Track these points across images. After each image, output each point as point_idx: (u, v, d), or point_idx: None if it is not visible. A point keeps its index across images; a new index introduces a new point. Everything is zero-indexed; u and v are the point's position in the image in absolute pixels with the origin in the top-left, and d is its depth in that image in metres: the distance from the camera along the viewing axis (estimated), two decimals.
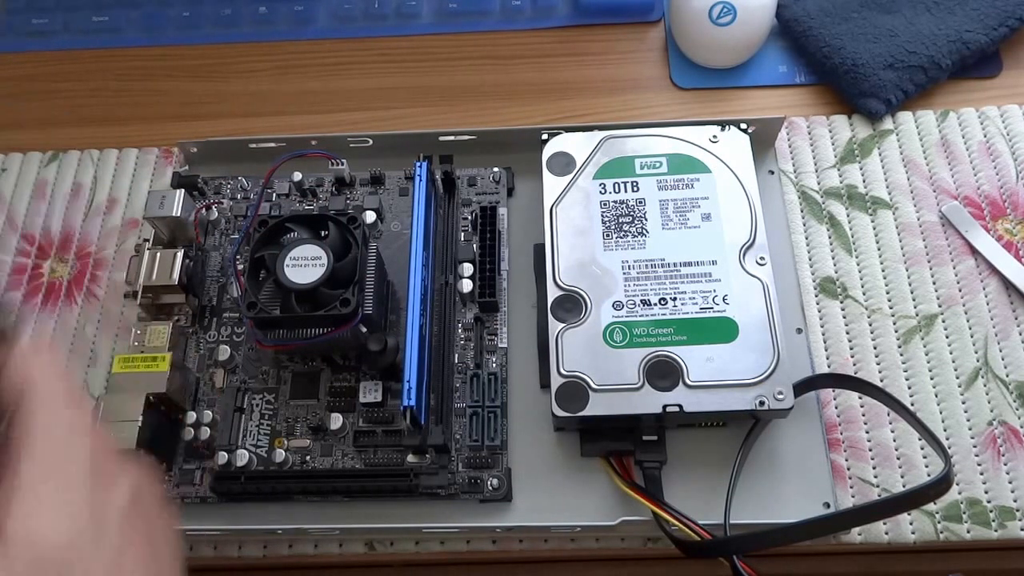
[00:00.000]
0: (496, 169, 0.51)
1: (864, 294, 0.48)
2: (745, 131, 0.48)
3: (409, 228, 0.45)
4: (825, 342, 0.46)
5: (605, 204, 0.46)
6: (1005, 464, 0.43)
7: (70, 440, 0.28)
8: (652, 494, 0.41)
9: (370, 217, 0.48)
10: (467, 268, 0.47)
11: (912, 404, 0.45)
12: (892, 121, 0.53)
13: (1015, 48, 0.55)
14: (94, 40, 0.61)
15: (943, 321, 0.46)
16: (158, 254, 0.46)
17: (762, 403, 0.40)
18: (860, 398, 0.45)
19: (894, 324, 0.47)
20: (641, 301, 0.43)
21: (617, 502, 0.42)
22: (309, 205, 0.50)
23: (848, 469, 0.43)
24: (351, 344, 0.43)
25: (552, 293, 0.43)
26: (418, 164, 0.47)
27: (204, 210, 0.49)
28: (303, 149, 0.49)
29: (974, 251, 0.48)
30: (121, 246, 0.52)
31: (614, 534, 0.42)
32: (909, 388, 0.45)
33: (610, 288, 0.43)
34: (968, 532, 0.41)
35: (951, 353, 0.46)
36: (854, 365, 0.46)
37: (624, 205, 0.46)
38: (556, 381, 0.41)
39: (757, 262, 0.44)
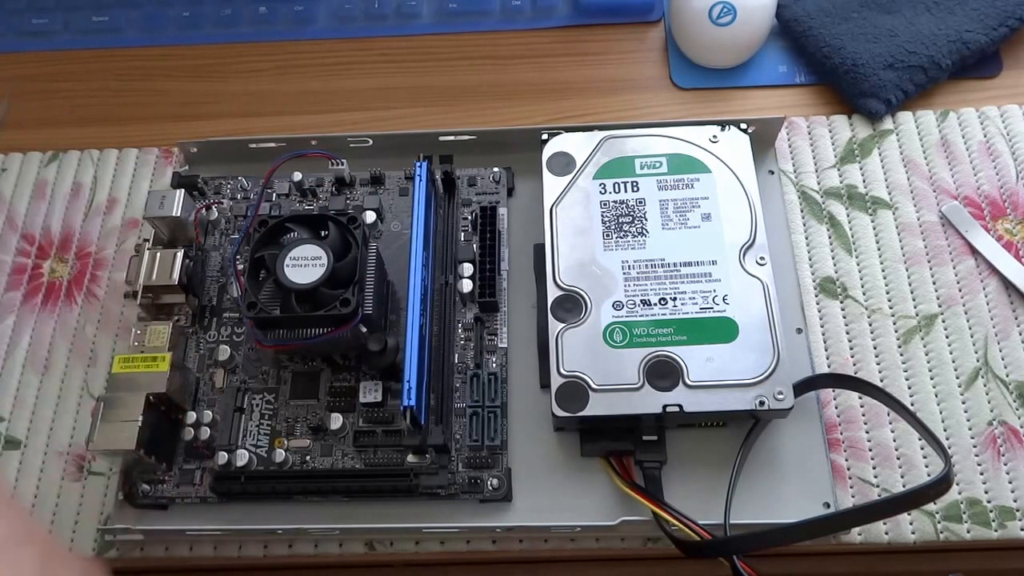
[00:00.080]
0: (496, 169, 0.51)
1: (864, 294, 0.48)
2: (745, 131, 0.48)
3: (409, 228, 0.45)
4: (825, 342, 0.46)
5: (605, 204, 0.46)
6: (1005, 464, 0.43)
7: (10, 552, 0.27)
8: (652, 494, 0.41)
9: (370, 217, 0.48)
10: (467, 268, 0.47)
11: (912, 404, 0.45)
12: (892, 121, 0.53)
13: (1015, 48, 0.55)
14: (94, 40, 0.61)
15: (943, 321, 0.46)
16: (158, 254, 0.46)
17: (762, 403, 0.40)
18: (860, 398, 0.45)
19: (894, 324, 0.47)
20: (641, 301, 0.43)
21: (617, 502, 0.42)
22: (309, 205, 0.50)
23: (848, 469, 0.43)
24: (351, 344, 0.43)
25: (552, 293, 0.43)
26: (418, 164, 0.47)
27: (204, 210, 0.49)
28: (303, 149, 0.49)
29: (974, 251, 0.48)
30: (121, 246, 0.52)
31: (614, 534, 0.42)
32: (909, 388, 0.45)
33: (610, 288, 0.43)
34: (968, 532, 0.41)
35: (951, 353, 0.46)
36: (854, 365, 0.46)
37: (624, 205, 0.46)
38: (556, 381, 0.41)
39: (757, 262, 0.44)
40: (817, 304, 0.47)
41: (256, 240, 0.43)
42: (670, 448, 0.42)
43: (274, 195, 0.50)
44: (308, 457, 0.43)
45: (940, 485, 0.35)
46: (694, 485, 0.42)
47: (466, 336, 0.46)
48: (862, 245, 0.49)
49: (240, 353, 0.46)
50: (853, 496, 0.43)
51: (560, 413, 0.40)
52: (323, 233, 0.44)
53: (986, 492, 0.42)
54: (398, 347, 0.43)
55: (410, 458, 0.42)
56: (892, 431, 0.44)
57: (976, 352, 0.45)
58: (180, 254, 0.46)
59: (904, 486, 0.43)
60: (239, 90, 0.58)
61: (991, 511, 0.42)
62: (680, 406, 0.40)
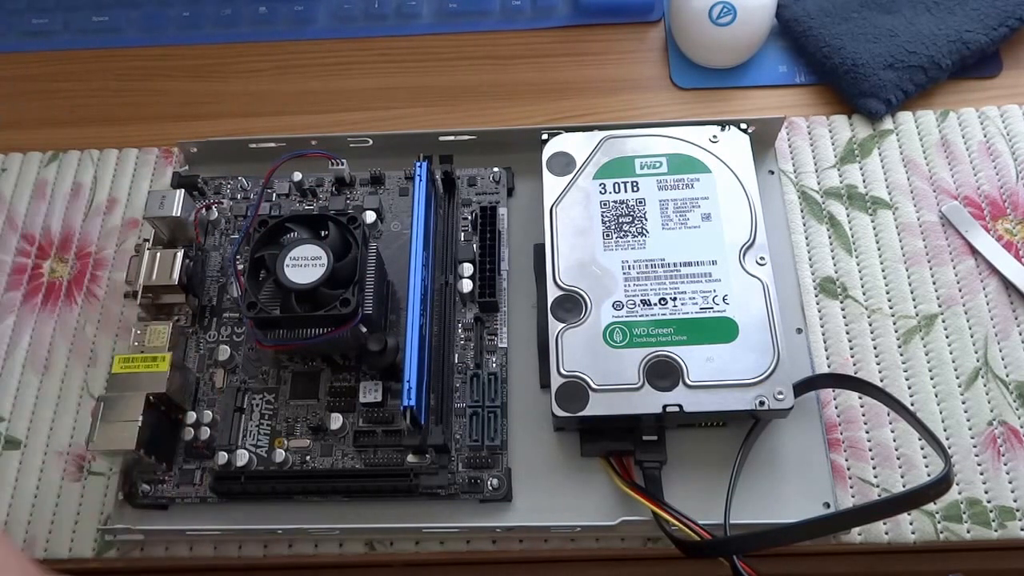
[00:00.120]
0: (496, 169, 0.51)
1: (864, 294, 0.48)
2: (745, 131, 0.48)
3: (409, 228, 0.45)
4: (825, 342, 0.46)
5: (605, 204, 0.46)
6: (1005, 464, 0.43)
7: None
8: (652, 494, 0.41)
9: (370, 217, 0.48)
10: (467, 268, 0.47)
11: (912, 404, 0.45)
12: (892, 121, 0.53)
13: (1015, 48, 0.55)
14: (94, 40, 0.61)
15: (943, 321, 0.46)
16: (158, 254, 0.46)
17: (762, 403, 0.40)
18: (860, 398, 0.45)
19: (894, 324, 0.47)
20: (641, 301, 0.43)
21: (617, 502, 0.42)
22: (309, 205, 0.50)
23: (848, 469, 0.43)
24: (351, 344, 0.43)
25: (552, 293, 0.43)
26: (418, 164, 0.47)
27: (204, 210, 0.49)
28: (303, 149, 0.49)
29: (974, 251, 0.48)
30: (121, 246, 0.52)
31: (614, 534, 0.42)
32: (909, 388, 0.45)
33: (610, 288, 0.43)
34: (968, 532, 0.41)
35: (951, 353, 0.46)
36: (854, 365, 0.46)
37: (624, 205, 0.46)
38: (556, 381, 0.41)
39: (757, 262, 0.44)
40: (817, 304, 0.47)
41: (256, 240, 0.43)
42: (670, 448, 0.42)
43: (274, 195, 0.50)
44: (308, 457, 0.43)
45: (940, 485, 0.35)
46: (694, 485, 0.42)
47: (466, 336, 0.46)
48: (862, 245, 0.49)
49: (240, 353, 0.46)
50: (853, 496, 0.43)
51: (560, 413, 0.40)
52: (323, 233, 0.44)
53: (986, 492, 0.42)
54: (398, 347, 0.43)
55: (410, 458, 0.42)
56: (892, 431, 0.44)
57: (976, 352, 0.45)
58: (180, 254, 0.46)
59: (904, 486, 0.43)
60: (239, 90, 0.58)
61: (991, 511, 0.42)
62: (680, 406, 0.40)
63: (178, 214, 0.47)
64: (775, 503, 0.42)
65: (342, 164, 0.49)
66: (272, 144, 0.51)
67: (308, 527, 0.42)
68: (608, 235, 0.45)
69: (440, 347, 0.45)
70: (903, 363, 0.46)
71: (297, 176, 0.50)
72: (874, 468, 0.43)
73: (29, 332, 0.50)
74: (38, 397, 0.48)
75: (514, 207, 0.50)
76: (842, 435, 0.44)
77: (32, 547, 0.44)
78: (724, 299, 0.43)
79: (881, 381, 0.45)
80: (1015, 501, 0.42)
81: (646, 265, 0.44)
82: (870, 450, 0.44)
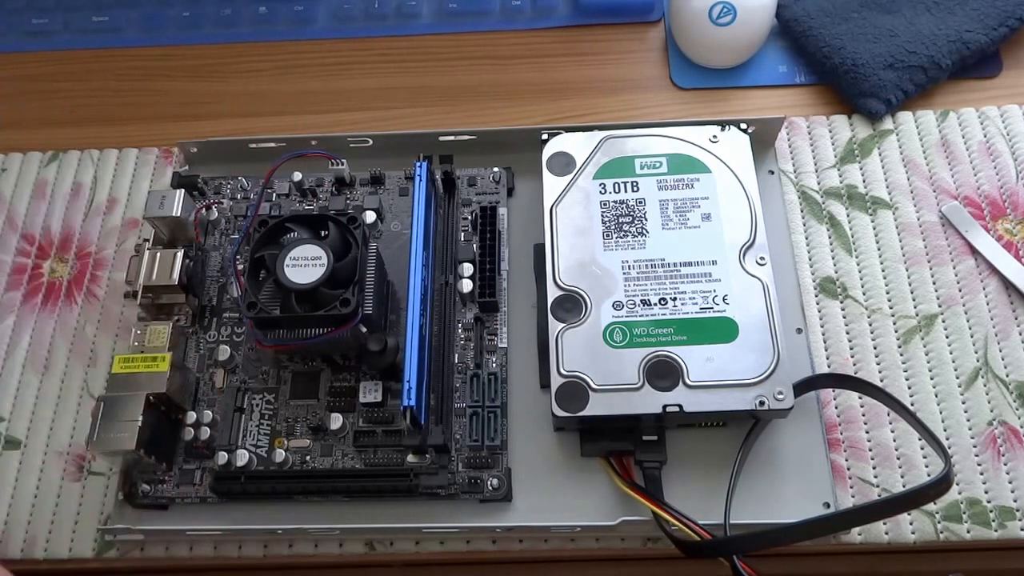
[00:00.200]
0: (496, 169, 0.51)
1: (864, 294, 0.48)
2: (745, 131, 0.48)
3: (409, 228, 0.45)
4: (825, 342, 0.46)
5: (605, 204, 0.46)
6: (1005, 464, 0.43)
7: None
8: (652, 494, 0.41)
9: (370, 217, 0.48)
10: (467, 268, 0.47)
11: (912, 404, 0.45)
12: (892, 121, 0.53)
13: (1015, 48, 0.55)
14: (94, 40, 0.61)
15: (943, 321, 0.46)
16: (158, 254, 0.46)
17: (762, 403, 0.40)
18: (860, 398, 0.45)
19: (894, 324, 0.47)
20: (641, 301, 0.43)
21: (617, 502, 0.42)
22: (309, 205, 0.50)
23: (848, 469, 0.43)
24: (351, 344, 0.43)
25: (552, 293, 0.43)
26: (418, 164, 0.47)
27: (204, 210, 0.49)
28: (303, 149, 0.49)
29: (974, 251, 0.48)
30: (121, 246, 0.52)
31: (614, 534, 0.42)
32: (909, 388, 0.45)
33: (610, 288, 0.43)
34: (968, 532, 0.41)
35: (951, 353, 0.46)
36: (854, 365, 0.46)
37: (624, 205, 0.46)
38: (556, 381, 0.41)
39: (757, 262, 0.44)
40: (817, 304, 0.47)
41: (256, 240, 0.43)
42: (670, 448, 0.42)
43: (274, 195, 0.50)
44: (308, 457, 0.43)
45: (940, 485, 0.35)
46: (694, 485, 0.42)
47: (466, 336, 0.46)
48: (862, 245, 0.49)
49: (240, 353, 0.46)
50: (853, 496, 0.43)
51: (560, 413, 0.40)
52: (323, 233, 0.44)
53: (986, 492, 0.42)
54: (398, 347, 0.43)
55: (410, 458, 0.42)
56: (892, 431, 0.44)
57: (976, 352, 0.45)
58: (180, 254, 0.46)
59: (904, 486, 0.43)
60: (239, 90, 0.58)
61: (991, 511, 0.42)
62: (680, 406, 0.40)
63: (178, 214, 0.47)
64: (775, 503, 0.42)
65: (342, 164, 0.49)
66: (272, 144, 0.51)
67: (308, 527, 0.42)
68: (608, 235, 0.45)
69: (440, 347, 0.45)
70: (903, 363, 0.46)
71: (297, 176, 0.50)
72: (874, 468, 0.43)
73: (29, 332, 0.50)
74: (38, 397, 0.48)
75: (514, 207, 0.50)
76: (842, 435, 0.44)
77: (32, 547, 0.44)
78: (724, 299, 0.43)
79: (881, 381, 0.45)
80: (1015, 501, 0.42)
81: (646, 265, 0.44)
82: (870, 450, 0.44)
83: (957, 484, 0.42)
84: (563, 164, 0.47)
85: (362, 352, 0.43)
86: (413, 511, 0.42)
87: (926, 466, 0.43)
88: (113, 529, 0.42)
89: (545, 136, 0.48)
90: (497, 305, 0.46)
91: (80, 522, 0.44)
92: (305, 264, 0.42)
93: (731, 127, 0.48)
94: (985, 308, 0.46)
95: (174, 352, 0.43)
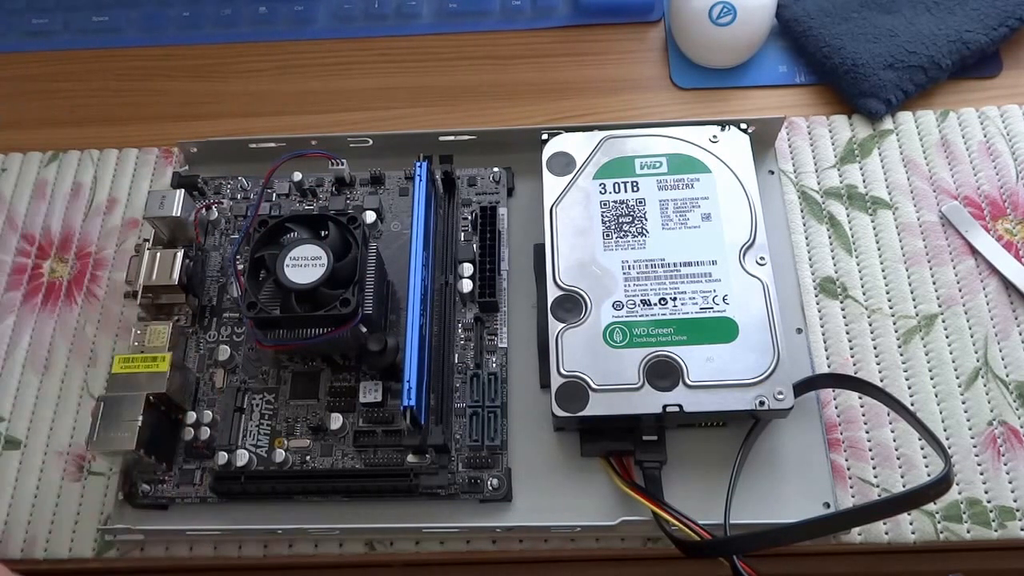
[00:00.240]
0: (496, 169, 0.51)
1: (864, 294, 0.48)
2: (745, 131, 0.48)
3: (409, 228, 0.45)
4: (825, 342, 0.46)
5: (605, 204, 0.46)
6: (1005, 464, 0.43)
7: None
8: (652, 494, 0.41)
9: (370, 217, 0.48)
10: (467, 268, 0.47)
11: (912, 404, 0.45)
12: (892, 121, 0.53)
13: (1015, 48, 0.55)
14: (94, 40, 0.61)
15: (943, 321, 0.46)
16: (158, 254, 0.46)
17: (762, 403, 0.40)
18: (860, 398, 0.45)
19: (894, 324, 0.47)
20: (641, 301, 0.43)
21: (617, 502, 0.42)
22: (309, 205, 0.50)
23: (848, 469, 0.43)
24: (351, 344, 0.43)
25: (552, 293, 0.43)
26: (418, 164, 0.47)
27: (204, 210, 0.49)
28: (303, 149, 0.49)
29: (974, 251, 0.48)
30: (121, 246, 0.52)
31: (614, 534, 0.42)
32: (909, 388, 0.45)
33: (610, 288, 0.43)
34: (968, 532, 0.41)
35: (951, 353, 0.46)
36: (854, 365, 0.46)
37: (624, 205, 0.46)
38: (556, 381, 0.41)
39: (757, 262, 0.44)
40: (817, 304, 0.47)
41: (256, 240, 0.43)
42: (670, 448, 0.42)
43: (274, 195, 0.50)
44: (308, 457, 0.43)
45: (940, 485, 0.35)
46: (694, 485, 0.42)
47: (466, 336, 0.46)
48: (862, 245, 0.49)
49: (240, 353, 0.46)
50: (853, 496, 0.43)
51: (560, 413, 0.40)
52: (323, 233, 0.44)
53: (986, 492, 0.42)
54: (398, 347, 0.43)
55: (410, 458, 0.42)
56: (892, 431, 0.44)
57: (976, 352, 0.45)
58: (180, 254, 0.46)
59: (904, 486, 0.43)
60: (239, 90, 0.58)
61: (991, 511, 0.42)
62: (680, 406, 0.40)
63: (178, 214, 0.47)
64: (775, 503, 0.42)
65: (342, 164, 0.49)
66: (272, 144, 0.51)
67: (308, 527, 0.42)
68: (608, 235, 0.45)
69: (440, 347, 0.45)
70: (903, 363, 0.46)
71: (297, 176, 0.50)
72: (874, 468, 0.43)
73: (29, 332, 0.50)
74: (38, 397, 0.48)
75: (514, 207, 0.50)
76: (842, 435, 0.44)
77: (32, 547, 0.44)
78: (724, 299, 0.43)
79: (881, 381, 0.45)
80: (1015, 501, 0.42)
81: (646, 265, 0.44)
82: (870, 450, 0.44)
83: (957, 484, 0.42)
84: (563, 164, 0.47)
85: (362, 352, 0.43)
86: (413, 511, 0.42)
87: (926, 466, 0.43)
88: (113, 529, 0.42)
89: (545, 136, 0.48)
90: (497, 305, 0.46)
91: (80, 522, 0.44)
92: (305, 264, 0.42)
93: (731, 127, 0.48)
94: (985, 308, 0.46)
95: (174, 352, 0.43)
